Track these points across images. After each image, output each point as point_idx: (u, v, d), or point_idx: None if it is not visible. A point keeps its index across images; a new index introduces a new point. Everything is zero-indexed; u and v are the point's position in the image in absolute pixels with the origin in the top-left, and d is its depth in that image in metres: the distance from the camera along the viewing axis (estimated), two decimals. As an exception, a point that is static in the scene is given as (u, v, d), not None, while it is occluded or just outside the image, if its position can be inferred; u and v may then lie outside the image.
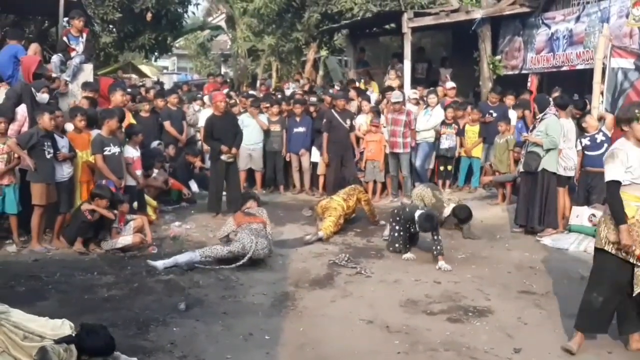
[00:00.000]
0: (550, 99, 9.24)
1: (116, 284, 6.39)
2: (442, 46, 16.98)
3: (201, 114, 12.58)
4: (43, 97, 8.34)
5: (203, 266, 6.99)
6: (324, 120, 11.48)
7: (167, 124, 11.52)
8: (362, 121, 11.74)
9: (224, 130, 9.78)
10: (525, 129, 10.35)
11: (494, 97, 11.68)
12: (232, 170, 9.96)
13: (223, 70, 31.08)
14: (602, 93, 9.46)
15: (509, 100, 11.52)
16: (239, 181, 10.50)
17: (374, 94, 14.04)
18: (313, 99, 13.07)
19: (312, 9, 17.13)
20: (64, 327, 4.12)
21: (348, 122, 11.29)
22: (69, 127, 8.43)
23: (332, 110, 11.45)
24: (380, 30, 17.73)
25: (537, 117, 8.74)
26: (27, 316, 4.16)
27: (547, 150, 8.46)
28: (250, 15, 20.36)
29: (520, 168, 8.96)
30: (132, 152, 8.87)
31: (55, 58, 9.73)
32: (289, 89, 16.42)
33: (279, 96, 14.08)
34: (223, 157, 9.69)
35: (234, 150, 9.77)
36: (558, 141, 8.47)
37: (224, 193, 10.11)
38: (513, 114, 11.14)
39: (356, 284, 6.62)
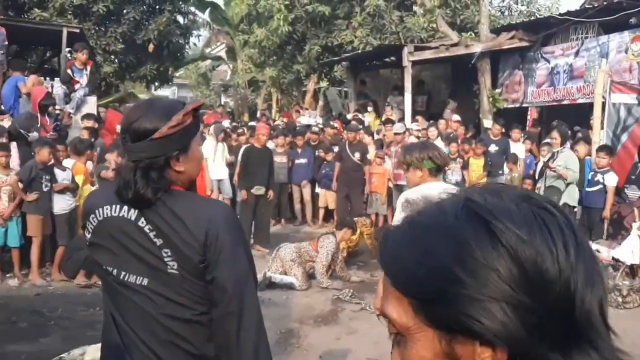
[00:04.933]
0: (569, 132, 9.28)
1: (119, 319, 6.32)
2: (441, 79, 17.10)
3: (205, 145, 12.34)
4: (34, 135, 8.40)
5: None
6: (336, 150, 11.61)
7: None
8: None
9: (260, 162, 9.77)
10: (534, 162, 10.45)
11: (496, 130, 11.71)
12: (262, 202, 9.87)
13: (223, 99, 31.20)
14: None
15: (515, 134, 11.54)
16: (269, 214, 10.46)
17: (368, 121, 14.25)
18: (315, 129, 13.11)
19: (312, 41, 17.30)
20: None
21: (357, 155, 11.16)
22: (68, 162, 8.38)
23: (346, 142, 11.46)
24: (380, 63, 17.88)
25: (556, 150, 8.74)
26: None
27: (567, 185, 8.44)
28: (251, 47, 20.52)
29: None
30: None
31: (60, 90, 9.81)
32: (304, 115, 16.35)
33: (282, 127, 14.10)
34: (253, 190, 9.66)
35: (262, 191, 9.77)
36: (578, 174, 8.48)
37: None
38: (519, 147, 11.18)
39: (361, 321, 6.56)
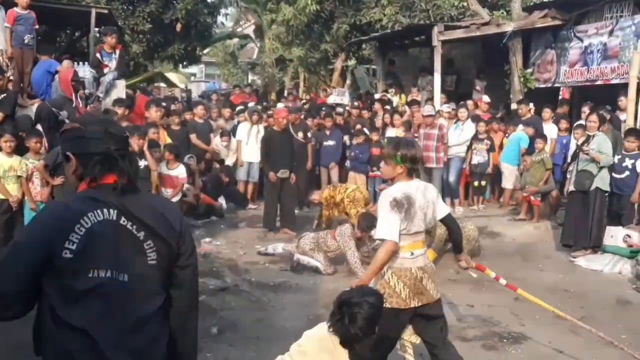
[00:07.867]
0: (606, 116, 9.07)
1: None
2: (471, 58, 16.80)
3: (240, 128, 12.02)
4: (64, 114, 8.49)
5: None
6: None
7: (193, 137, 11.30)
8: (392, 135, 11.63)
9: (281, 146, 9.73)
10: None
11: (523, 110, 11.54)
12: (286, 186, 9.85)
13: (250, 77, 31.21)
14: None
15: (546, 114, 11.33)
16: (294, 197, 10.41)
17: (398, 104, 14.12)
18: (339, 109, 13.05)
19: (340, 20, 17.13)
20: None
21: (300, 134, 11.11)
22: None
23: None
24: (409, 42, 17.64)
25: (592, 134, 8.54)
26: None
27: (600, 169, 8.29)
28: (279, 25, 20.42)
29: (571, 187, 8.71)
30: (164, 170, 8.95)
31: (89, 74, 9.87)
32: (332, 94, 16.24)
33: (307, 107, 14.07)
34: (279, 173, 9.64)
35: (287, 174, 9.78)
36: (612, 158, 8.33)
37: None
38: (552, 129, 11.00)
39: (388, 307, 6.55)
